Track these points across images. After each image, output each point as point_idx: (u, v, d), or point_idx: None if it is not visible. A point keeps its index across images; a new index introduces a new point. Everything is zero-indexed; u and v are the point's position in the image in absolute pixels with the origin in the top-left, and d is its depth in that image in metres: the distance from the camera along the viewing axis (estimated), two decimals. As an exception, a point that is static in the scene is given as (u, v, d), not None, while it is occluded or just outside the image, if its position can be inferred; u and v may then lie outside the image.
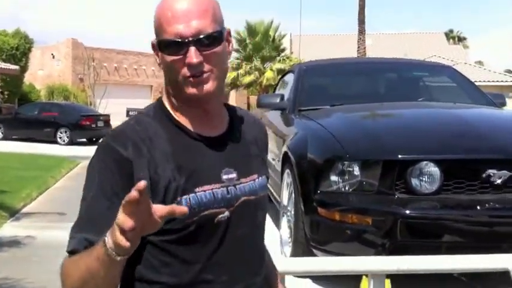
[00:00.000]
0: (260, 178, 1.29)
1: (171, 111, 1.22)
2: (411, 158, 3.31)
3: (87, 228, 1.08)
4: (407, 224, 3.18)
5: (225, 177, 1.19)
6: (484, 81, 29.30)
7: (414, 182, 3.27)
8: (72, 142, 17.53)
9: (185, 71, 1.15)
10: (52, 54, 29.41)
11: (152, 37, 1.23)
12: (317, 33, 46.34)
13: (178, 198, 1.12)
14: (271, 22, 29.13)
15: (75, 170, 11.22)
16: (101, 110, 23.05)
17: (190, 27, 1.13)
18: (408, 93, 5.17)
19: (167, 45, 1.16)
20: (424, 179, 3.27)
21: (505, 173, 3.24)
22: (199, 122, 1.22)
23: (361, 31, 24.39)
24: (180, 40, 1.14)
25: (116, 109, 24.58)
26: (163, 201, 1.08)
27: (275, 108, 5.08)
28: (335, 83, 5.72)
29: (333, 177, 3.43)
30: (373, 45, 37.65)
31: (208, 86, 1.17)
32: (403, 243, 3.18)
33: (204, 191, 1.15)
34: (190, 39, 1.13)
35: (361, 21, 24.08)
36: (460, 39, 65.54)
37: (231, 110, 1.34)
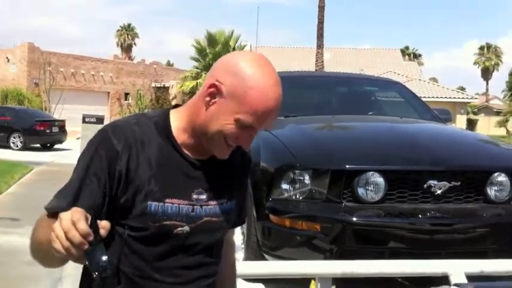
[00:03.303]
0: (228, 203, 1.39)
1: (173, 128, 1.31)
2: (358, 168, 3.47)
3: (64, 196, 1.20)
4: (354, 231, 3.33)
5: (195, 196, 1.30)
6: (438, 97, 30.22)
7: (360, 191, 3.44)
8: (25, 147, 17.11)
9: (230, 141, 1.25)
10: (7, 57, 28.73)
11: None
12: (277, 46, 46.79)
13: (149, 202, 1.25)
14: (232, 32, 29.35)
15: (28, 176, 11.02)
16: (56, 116, 22.64)
17: (264, 124, 1.23)
18: (359, 107, 5.38)
19: (238, 121, 1.21)
20: (369, 188, 3.44)
21: (444, 184, 3.44)
22: (193, 147, 1.31)
23: (320, 45, 24.82)
24: (253, 127, 1.22)
25: (71, 115, 24.20)
26: (133, 199, 1.23)
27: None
28: (289, 95, 5.83)
29: (284, 185, 3.56)
30: (331, 59, 38.30)
31: (228, 153, 1.30)
32: (349, 249, 3.32)
33: (172, 203, 1.27)
34: (256, 130, 1.24)
35: (320, 36, 24.51)
36: (416, 56, 67.32)
37: None
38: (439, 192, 3.44)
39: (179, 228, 1.28)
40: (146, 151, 1.26)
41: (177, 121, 1.32)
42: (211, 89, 1.22)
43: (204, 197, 1.32)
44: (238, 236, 4.20)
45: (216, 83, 1.21)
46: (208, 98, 1.23)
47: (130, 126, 1.28)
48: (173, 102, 27.31)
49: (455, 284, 2.21)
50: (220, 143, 1.26)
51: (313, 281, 2.67)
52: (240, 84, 1.19)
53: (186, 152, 1.31)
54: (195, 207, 1.31)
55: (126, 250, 1.27)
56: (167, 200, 1.26)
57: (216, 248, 1.41)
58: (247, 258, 3.75)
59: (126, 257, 1.27)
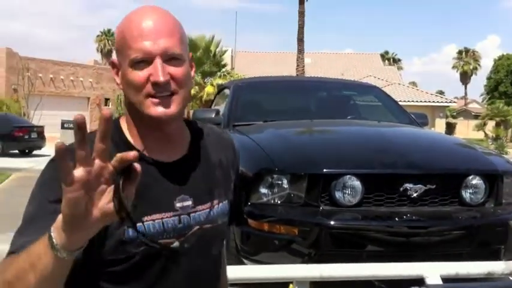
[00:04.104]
0: (220, 204, 1.23)
1: (127, 134, 1.16)
2: (335, 172, 3.50)
3: (31, 232, 0.97)
4: (331, 234, 3.36)
5: (178, 205, 1.14)
6: (417, 101, 30.59)
7: (338, 194, 3.46)
8: (3, 153, 16.92)
9: (149, 89, 1.09)
10: (-16, 63, 28.35)
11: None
12: (258, 51, 46.96)
13: (125, 227, 1.06)
14: (213, 37, 29.32)
15: (7, 182, 10.90)
16: (34, 122, 22.40)
17: (158, 44, 1.09)
18: (338, 111, 5.43)
19: (132, 63, 1.10)
20: (347, 191, 3.46)
21: (420, 187, 3.48)
22: (157, 146, 1.16)
23: (300, 50, 24.97)
24: (146, 57, 1.09)
25: (50, 120, 23.98)
26: (106, 229, 1.02)
27: (210, 122, 5.19)
28: (268, 100, 5.93)
29: (263, 190, 3.58)
30: (312, 64, 38.55)
31: (172, 108, 1.11)
32: (327, 253, 3.34)
33: (153, 220, 1.10)
34: (158, 56, 1.09)
35: (300, 40, 24.67)
36: (395, 61, 68.21)
37: (194, 128, 1.27)
38: (415, 195, 3.48)
39: (169, 247, 1.12)
40: None
41: (127, 125, 1.19)
42: (112, 69, 1.18)
43: (189, 203, 1.15)
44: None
45: (112, 60, 1.19)
46: (114, 78, 1.18)
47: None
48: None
49: (427, 285, 2.24)
50: (142, 98, 1.11)
51: (291, 285, 2.69)
52: (118, 36, 1.14)
53: (151, 156, 1.15)
54: (182, 216, 1.14)
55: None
56: (146, 218, 1.09)
57: (215, 264, 1.25)
58: (226, 263, 3.75)
59: None
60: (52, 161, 1.09)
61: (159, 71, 1.08)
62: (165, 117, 1.11)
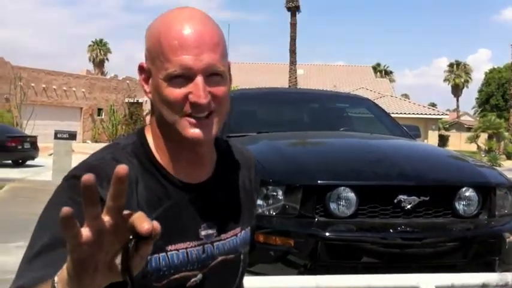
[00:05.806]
0: (243, 232, 1.15)
1: (154, 149, 1.06)
2: (330, 184, 3.52)
3: (41, 265, 0.86)
4: (326, 246, 3.37)
5: (203, 233, 1.06)
6: (409, 113, 30.78)
7: (332, 206, 3.48)
8: (-4, 164, 16.86)
9: (187, 108, 1.00)
10: (-24, 72, 28.29)
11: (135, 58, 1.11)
12: (252, 62, 47.19)
13: (148, 257, 0.92)
14: (206, 49, 29.39)
15: (1, 193, 10.83)
16: (27, 132, 22.34)
17: (200, 60, 0.98)
18: (331, 123, 5.47)
19: (169, 77, 0.99)
20: (341, 203, 3.49)
21: (414, 199, 3.51)
22: (184, 165, 1.07)
23: (293, 61, 25.13)
24: (186, 73, 0.98)
25: (43, 131, 23.94)
26: None
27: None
28: (262, 111, 5.96)
29: (258, 201, 3.58)
30: (305, 76, 38.74)
31: (211, 131, 1.03)
32: (323, 264, 3.35)
33: (177, 250, 1.01)
34: (200, 74, 0.98)
35: (293, 52, 24.84)
36: (387, 73, 68.64)
37: (220, 145, 1.18)
38: (409, 207, 3.50)
39: (192, 279, 1.03)
40: (134, 193, 0.99)
41: (153, 138, 1.08)
42: (140, 74, 1.07)
43: (213, 231, 1.07)
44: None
45: (141, 64, 1.07)
46: (142, 84, 1.06)
47: (109, 164, 0.96)
48: (147, 118, 27.18)
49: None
50: (178, 118, 1.01)
51: (286, 296, 2.70)
52: (152, 40, 1.02)
53: (179, 177, 1.05)
54: (206, 246, 1.05)
55: None
56: (170, 248, 1.00)
57: None
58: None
59: None
60: (70, 178, 0.98)
61: (200, 91, 0.98)
62: (203, 140, 1.02)
